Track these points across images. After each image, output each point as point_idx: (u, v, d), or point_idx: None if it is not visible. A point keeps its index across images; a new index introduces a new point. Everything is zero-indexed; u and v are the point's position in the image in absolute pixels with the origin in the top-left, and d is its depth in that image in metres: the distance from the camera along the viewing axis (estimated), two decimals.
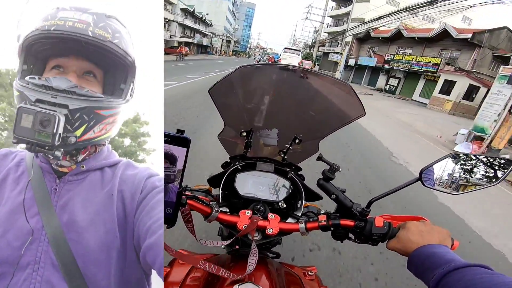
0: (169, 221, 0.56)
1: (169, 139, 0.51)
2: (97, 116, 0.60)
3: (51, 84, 0.57)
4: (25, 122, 0.52)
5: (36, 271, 0.55)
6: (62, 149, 0.56)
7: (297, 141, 0.85)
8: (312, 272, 0.80)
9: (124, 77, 0.67)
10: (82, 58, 0.62)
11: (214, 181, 0.80)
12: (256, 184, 0.78)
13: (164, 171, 0.54)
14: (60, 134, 0.54)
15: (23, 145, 0.56)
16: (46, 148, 0.54)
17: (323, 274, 1.87)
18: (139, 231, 0.58)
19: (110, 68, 0.66)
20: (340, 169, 0.71)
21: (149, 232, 0.56)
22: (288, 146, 0.86)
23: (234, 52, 70.11)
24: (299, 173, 0.84)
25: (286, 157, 0.86)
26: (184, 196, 0.65)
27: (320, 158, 0.75)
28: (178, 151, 0.51)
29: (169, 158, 0.52)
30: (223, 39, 49.81)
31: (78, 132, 0.58)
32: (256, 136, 0.88)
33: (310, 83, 0.82)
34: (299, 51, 28.55)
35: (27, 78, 0.58)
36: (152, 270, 0.64)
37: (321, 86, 0.82)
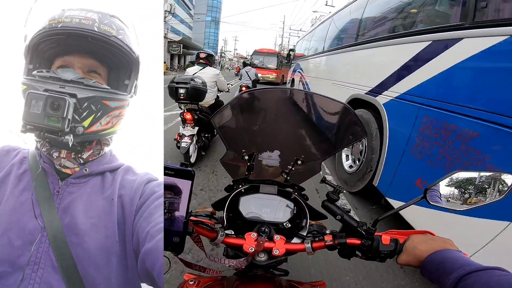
0: (177, 249, 0.57)
1: (172, 172, 0.53)
2: (104, 107, 0.62)
3: (59, 75, 0.59)
4: (35, 108, 0.53)
5: (35, 272, 0.56)
6: (71, 135, 0.56)
7: (299, 162, 0.86)
8: None
9: (128, 74, 0.69)
10: (87, 56, 0.64)
11: (218, 204, 0.81)
12: (260, 206, 0.79)
13: (169, 201, 0.55)
14: (69, 119, 0.55)
15: (27, 142, 0.58)
16: (56, 134, 0.55)
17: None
18: (138, 236, 0.59)
19: (114, 65, 0.68)
20: (344, 191, 0.72)
21: (148, 237, 0.56)
22: (290, 167, 0.87)
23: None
24: (302, 193, 0.85)
25: (288, 178, 0.87)
26: (191, 222, 0.67)
27: (323, 181, 0.75)
28: (183, 184, 0.53)
29: (173, 190, 0.54)
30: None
31: (86, 123, 0.60)
32: (258, 159, 0.89)
33: (310, 105, 0.84)
34: None
35: (34, 72, 0.61)
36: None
37: (321, 108, 0.84)
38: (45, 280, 0.55)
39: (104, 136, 0.67)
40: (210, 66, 3.95)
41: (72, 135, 0.57)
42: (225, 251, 1.03)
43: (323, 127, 0.87)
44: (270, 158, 0.89)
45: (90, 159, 0.67)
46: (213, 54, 4.11)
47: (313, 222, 0.80)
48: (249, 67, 6.82)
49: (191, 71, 3.84)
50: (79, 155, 0.65)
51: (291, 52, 9.98)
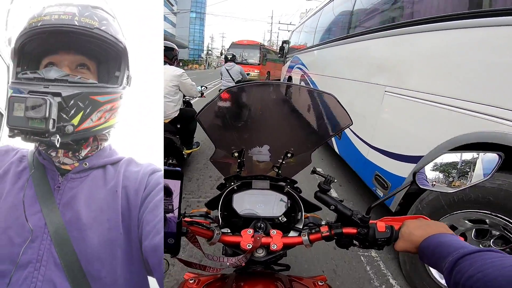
0: (172, 250, 0.56)
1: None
2: (93, 102, 0.60)
3: (42, 75, 0.57)
4: (17, 111, 0.52)
5: (37, 270, 0.54)
6: (58, 136, 0.55)
7: (289, 155, 0.86)
8: (322, 282, 0.80)
9: (118, 65, 0.67)
10: (73, 52, 0.62)
11: (211, 204, 0.80)
12: (254, 202, 0.79)
13: (164, 203, 0.55)
14: (54, 120, 0.53)
15: (26, 143, 0.55)
16: (41, 136, 0.53)
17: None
18: (143, 229, 0.58)
19: (102, 57, 0.66)
20: (335, 180, 0.73)
21: (154, 231, 0.56)
22: (281, 161, 0.87)
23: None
24: (295, 186, 0.85)
25: (280, 171, 0.87)
26: (185, 222, 0.66)
27: (314, 171, 0.76)
28: (173, 184, 0.52)
29: (165, 191, 0.53)
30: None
31: (75, 121, 0.58)
32: (248, 155, 0.89)
33: (295, 97, 0.84)
34: None
35: (19, 75, 0.59)
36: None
37: (306, 99, 0.84)
38: (47, 278, 0.54)
39: (99, 132, 0.65)
40: (171, 65, 2.82)
41: (58, 135, 0.55)
42: (223, 250, 1.03)
43: (309, 118, 0.88)
44: (260, 153, 0.89)
45: (89, 154, 0.65)
46: (174, 47, 2.91)
47: (308, 215, 0.80)
48: (232, 63, 5.08)
49: None
50: (77, 153, 0.63)
51: (284, 45, 8.11)
